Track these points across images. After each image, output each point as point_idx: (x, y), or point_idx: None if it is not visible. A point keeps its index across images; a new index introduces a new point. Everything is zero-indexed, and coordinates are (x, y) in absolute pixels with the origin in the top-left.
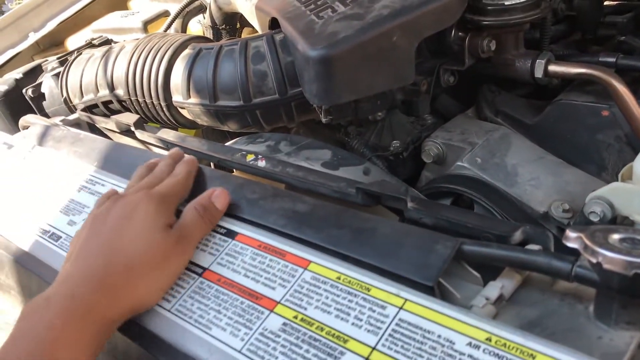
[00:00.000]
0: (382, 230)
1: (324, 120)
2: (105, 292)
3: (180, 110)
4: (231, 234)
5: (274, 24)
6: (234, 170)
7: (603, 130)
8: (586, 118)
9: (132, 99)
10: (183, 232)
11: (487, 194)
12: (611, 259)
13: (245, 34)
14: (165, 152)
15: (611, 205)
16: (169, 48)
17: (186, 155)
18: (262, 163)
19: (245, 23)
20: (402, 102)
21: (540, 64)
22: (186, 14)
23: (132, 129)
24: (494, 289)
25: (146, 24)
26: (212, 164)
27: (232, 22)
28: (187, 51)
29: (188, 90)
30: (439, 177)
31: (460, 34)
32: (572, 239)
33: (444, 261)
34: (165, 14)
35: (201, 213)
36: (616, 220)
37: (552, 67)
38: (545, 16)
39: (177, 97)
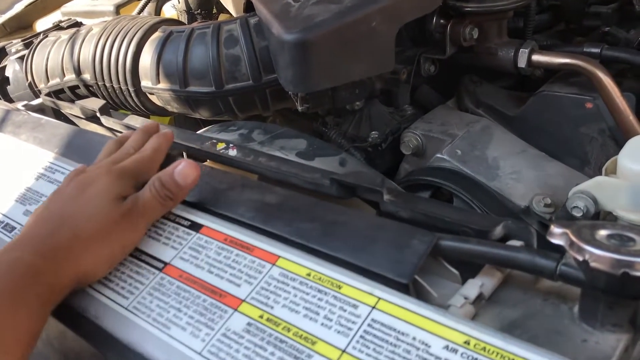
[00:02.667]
0: (356, 224)
1: (299, 108)
2: (51, 258)
3: (149, 96)
4: (195, 227)
5: (249, 7)
6: (206, 160)
7: (586, 123)
8: (569, 110)
9: (99, 83)
10: (135, 206)
11: (467, 187)
12: (599, 256)
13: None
14: None
15: (595, 200)
16: (137, 30)
17: (163, 128)
18: (233, 152)
19: (221, 8)
20: (381, 92)
21: (523, 53)
22: None
23: (98, 114)
24: (473, 288)
25: (118, 7)
26: (184, 154)
27: (207, 7)
28: (157, 34)
29: (157, 75)
30: (417, 169)
31: (441, 21)
32: (558, 235)
33: (419, 257)
34: None
35: (157, 189)
36: (599, 216)
37: (536, 57)
38: (529, 4)
39: (145, 82)
